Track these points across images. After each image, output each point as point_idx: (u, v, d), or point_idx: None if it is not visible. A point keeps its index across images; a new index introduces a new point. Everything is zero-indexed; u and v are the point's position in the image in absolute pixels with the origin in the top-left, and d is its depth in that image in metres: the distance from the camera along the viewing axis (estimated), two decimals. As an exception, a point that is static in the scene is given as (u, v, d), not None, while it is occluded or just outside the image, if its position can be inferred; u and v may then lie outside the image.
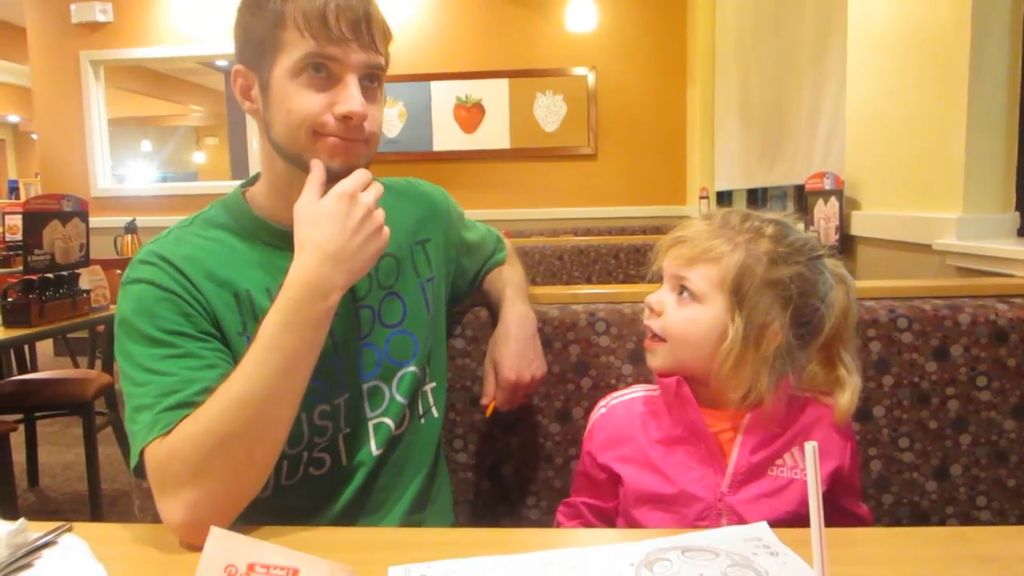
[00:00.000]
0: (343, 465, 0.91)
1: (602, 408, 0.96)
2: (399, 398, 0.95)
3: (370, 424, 0.93)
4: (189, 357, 0.78)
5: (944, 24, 1.57)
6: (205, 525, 0.55)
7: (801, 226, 0.91)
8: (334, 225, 0.78)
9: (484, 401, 1.04)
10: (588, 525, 0.95)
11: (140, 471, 0.75)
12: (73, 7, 4.83)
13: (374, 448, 0.93)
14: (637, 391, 0.95)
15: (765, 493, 0.84)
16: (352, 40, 0.81)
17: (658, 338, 0.89)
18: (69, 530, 0.72)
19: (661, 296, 0.90)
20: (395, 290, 0.97)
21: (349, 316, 0.92)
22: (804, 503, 0.81)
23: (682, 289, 0.87)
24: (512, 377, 1.01)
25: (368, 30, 0.83)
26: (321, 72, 0.82)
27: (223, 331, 0.83)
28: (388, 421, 0.94)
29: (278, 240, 0.88)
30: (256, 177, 0.94)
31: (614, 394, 0.97)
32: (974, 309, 1.13)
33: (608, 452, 0.92)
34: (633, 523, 0.89)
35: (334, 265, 0.78)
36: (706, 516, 0.85)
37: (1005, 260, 1.36)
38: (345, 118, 0.82)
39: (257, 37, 0.83)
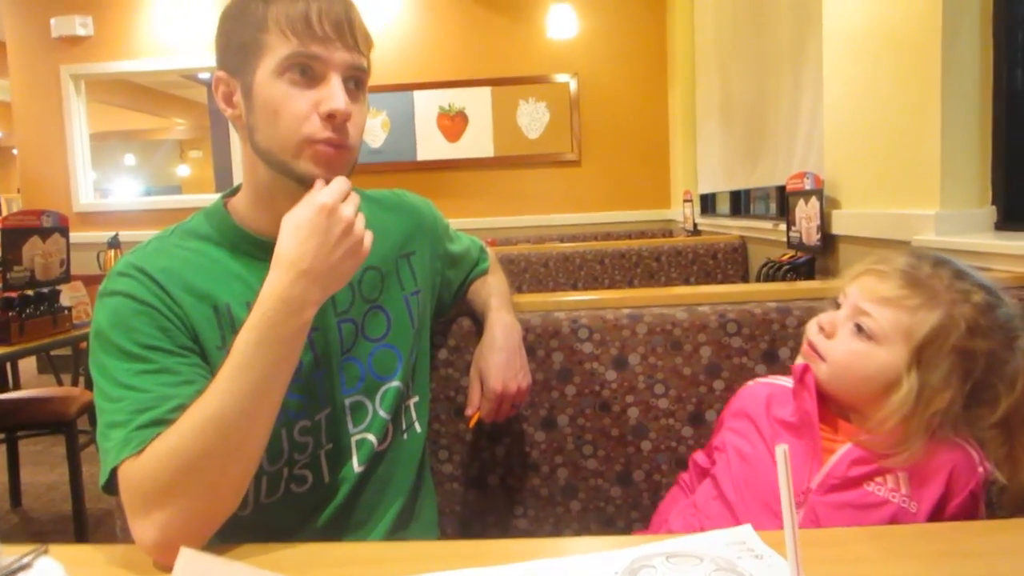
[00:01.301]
0: (325, 482, 0.90)
1: (749, 383, 1.01)
2: (382, 413, 0.94)
3: (352, 440, 0.92)
4: (165, 373, 0.76)
5: (915, 21, 1.58)
6: (177, 546, 0.54)
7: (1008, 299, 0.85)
8: (311, 239, 0.76)
9: (469, 412, 1.04)
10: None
11: (110, 488, 0.74)
12: (53, 21, 4.80)
13: (356, 465, 0.91)
14: (786, 381, 0.97)
15: (853, 504, 0.83)
16: (335, 39, 0.81)
17: (817, 354, 0.88)
18: (45, 552, 0.70)
19: (835, 319, 0.87)
20: (379, 304, 0.96)
21: (331, 330, 0.90)
22: (892, 523, 0.80)
23: (860, 325, 0.84)
24: (499, 388, 1.00)
25: (351, 31, 0.82)
26: (305, 72, 0.81)
27: (202, 345, 0.82)
28: (371, 437, 0.92)
29: (260, 251, 0.87)
30: (239, 188, 0.93)
31: (768, 377, 1.01)
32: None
33: (731, 419, 0.97)
34: (723, 496, 0.91)
35: (309, 281, 0.76)
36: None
37: (984, 254, 1.37)
38: (330, 116, 0.81)
39: (239, 43, 0.83)
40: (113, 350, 0.77)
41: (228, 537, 0.74)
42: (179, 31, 4.77)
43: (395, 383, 0.95)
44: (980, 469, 0.83)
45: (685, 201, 4.05)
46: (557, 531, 1.19)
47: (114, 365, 0.77)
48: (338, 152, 0.83)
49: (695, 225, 3.95)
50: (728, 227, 3.47)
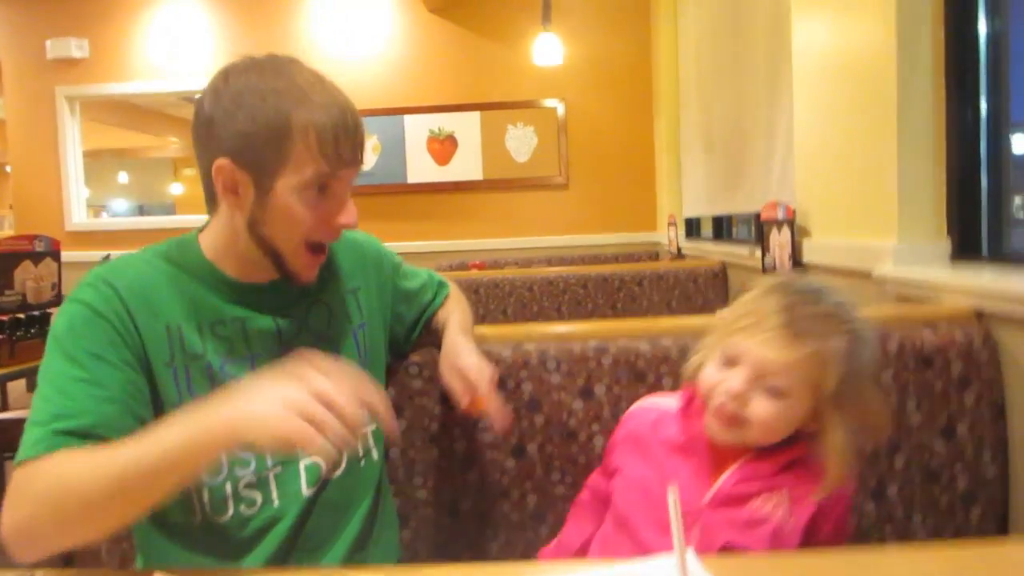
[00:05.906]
0: (275, 505, 0.94)
1: (636, 405, 1.05)
2: None
3: (301, 465, 0.97)
4: (95, 385, 0.82)
5: (872, 56, 1.63)
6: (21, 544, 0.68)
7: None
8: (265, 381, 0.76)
9: (466, 403, 1.05)
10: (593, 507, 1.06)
11: None
12: (48, 43, 4.85)
13: (304, 488, 0.96)
14: (670, 401, 1.01)
15: (740, 521, 0.89)
16: (355, 161, 0.91)
17: (735, 420, 0.89)
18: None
19: (742, 387, 0.88)
20: (327, 336, 1.02)
21: (275, 359, 0.94)
22: (773, 542, 0.87)
23: (770, 388, 0.88)
24: (487, 372, 1.05)
25: (362, 148, 0.93)
26: (324, 191, 0.90)
27: (149, 360, 0.88)
28: (320, 462, 0.97)
29: (218, 284, 0.94)
30: (211, 222, 0.98)
31: (653, 396, 1.06)
32: (901, 336, 1.20)
33: (621, 444, 1.02)
34: (620, 517, 0.96)
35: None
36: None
37: (937, 286, 1.41)
38: (342, 227, 0.93)
39: (259, 143, 0.85)
40: (59, 353, 0.84)
41: (183, 541, 0.81)
42: (173, 53, 4.80)
43: None
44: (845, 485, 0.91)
45: (669, 225, 4.11)
46: (528, 555, 1.23)
47: (56, 367, 0.83)
48: (324, 254, 0.96)
49: (679, 249, 4.01)
50: (710, 252, 3.54)
